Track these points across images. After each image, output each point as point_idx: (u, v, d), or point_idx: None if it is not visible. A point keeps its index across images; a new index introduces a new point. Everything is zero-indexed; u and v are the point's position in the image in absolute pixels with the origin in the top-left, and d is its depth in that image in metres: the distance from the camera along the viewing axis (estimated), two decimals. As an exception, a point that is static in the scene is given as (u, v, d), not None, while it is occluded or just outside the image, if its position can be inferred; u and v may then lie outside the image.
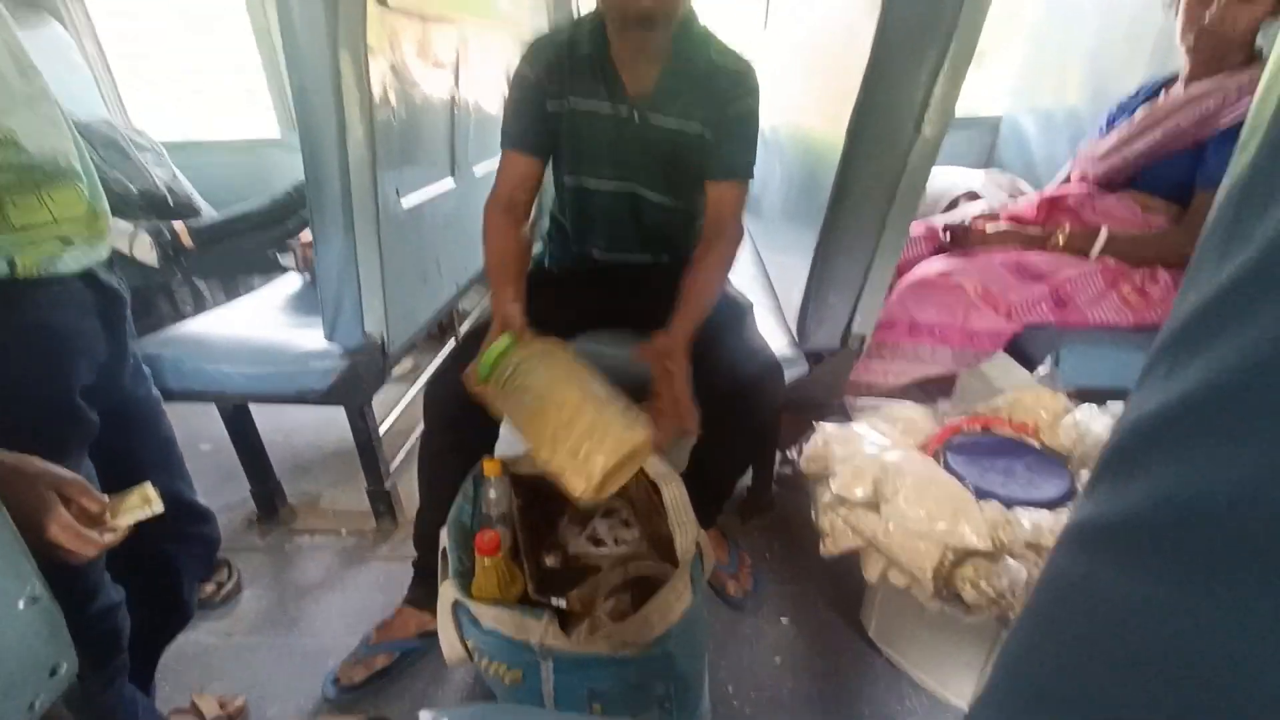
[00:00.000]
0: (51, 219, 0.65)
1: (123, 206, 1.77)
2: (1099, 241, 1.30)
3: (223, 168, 2.30)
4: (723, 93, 1.04)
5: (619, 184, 1.12)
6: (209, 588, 1.28)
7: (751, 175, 1.09)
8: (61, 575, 0.64)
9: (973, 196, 1.82)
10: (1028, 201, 1.52)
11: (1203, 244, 0.33)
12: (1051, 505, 0.93)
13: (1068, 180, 1.52)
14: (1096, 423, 1.04)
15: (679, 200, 1.15)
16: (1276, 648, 0.17)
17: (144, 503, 0.61)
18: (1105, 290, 1.26)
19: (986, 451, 1.04)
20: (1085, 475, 0.99)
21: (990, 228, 1.43)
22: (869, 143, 1.02)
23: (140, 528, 0.65)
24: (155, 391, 0.88)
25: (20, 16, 2.00)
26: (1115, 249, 1.29)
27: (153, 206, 1.86)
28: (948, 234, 1.47)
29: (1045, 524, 0.88)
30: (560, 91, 1.06)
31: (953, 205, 1.85)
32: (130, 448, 0.81)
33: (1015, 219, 1.49)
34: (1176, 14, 1.21)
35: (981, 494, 0.95)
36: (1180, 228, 1.26)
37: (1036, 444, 1.07)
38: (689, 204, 1.16)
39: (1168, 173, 1.27)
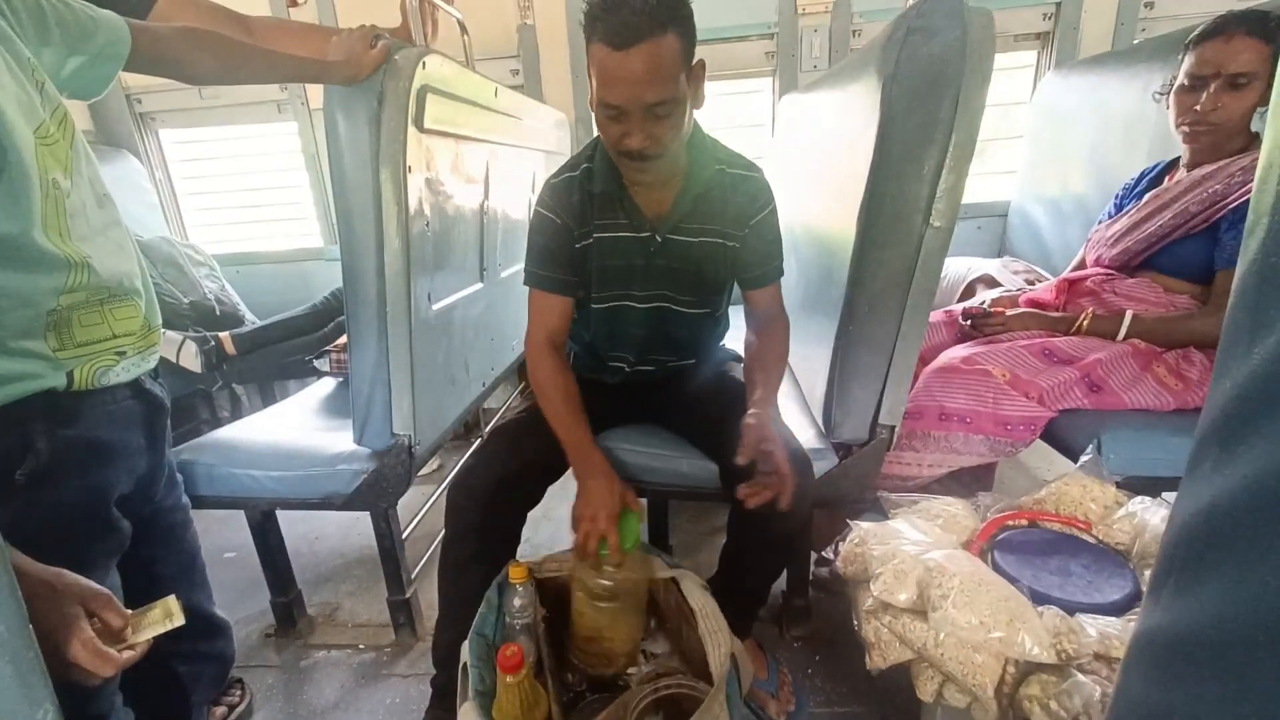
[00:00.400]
0: (111, 335, 0.69)
1: (172, 317, 1.89)
2: (1125, 323, 1.28)
3: (269, 277, 2.47)
4: (740, 205, 1.08)
5: (649, 303, 1.15)
6: (219, 710, 1.22)
7: (782, 274, 1.16)
8: (75, 697, 0.63)
9: (989, 282, 1.84)
10: (1046, 286, 1.53)
11: (1228, 330, 0.32)
12: (1118, 611, 0.85)
13: (1083, 264, 1.53)
14: (1154, 515, 0.97)
15: (706, 307, 1.19)
16: None
17: (166, 617, 0.60)
18: (1140, 373, 1.23)
19: (1038, 549, 0.98)
20: (1149, 575, 0.91)
21: (1011, 312, 1.42)
22: (880, 235, 1.05)
23: (154, 643, 0.63)
24: (185, 500, 0.89)
25: (101, 152, 2.25)
26: (1142, 331, 1.27)
27: (200, 317, 1.97)
28: (968, 320, 1.46)
29: (1113, 632, 0.80)
30: (583, 227, 1.09)
31: (970, 292, 1.87)
32: (155, 557, 0.80)
33: (1035, 303, 1.49)
34: (1168, 107, 1.26)
35: (1038, 598, 0.88)
36: (1208, 308, 1.24)
37: (1091, 539, 1.00)
38: (715, 307, 1.20)
39: (1184, 254, 1.27)
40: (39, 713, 0.47)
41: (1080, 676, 0.77)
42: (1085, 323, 1.33)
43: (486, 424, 2.27)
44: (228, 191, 2.70)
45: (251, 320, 2.15)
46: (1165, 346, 1.24)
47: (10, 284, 0.60)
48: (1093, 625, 0.81)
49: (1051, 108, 2.03)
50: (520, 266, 1.83)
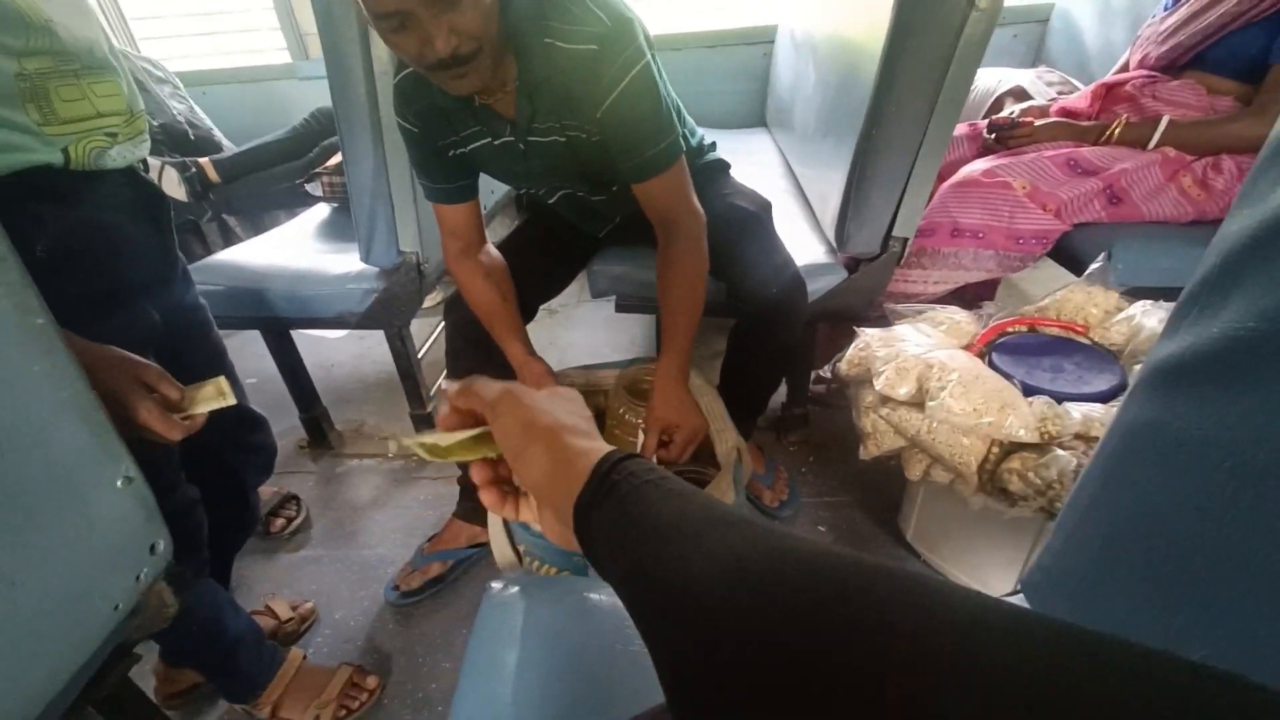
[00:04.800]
0: (95, 112, 0.66)
1: (145, 143, 1.76)
2: (1159, 130, 1.21)
3: (235, 98, 2.26)
4: (581, 92, 0.85)
5: (560, 191, 1.06)
6: (279, 522, 1.34)
7: (674, 159, 0.91)
8: (144, 469, 0.68)
9: (1019, 95, 1.71)
10: (1080, 93, 1.43)
11: None
12: (1103, 399, 0.92)
13: (1126, 67, 1.41)
14: (1151, 318, 1.01)
15: (616, 190, 1.05)
16: None
17: (219, 394, 0.63)
18: (1164, 183, 1.19)
19: (1034, 350, 1.02)
20: (1138, 369, 0.96)
21: (1039, 122, 1.35)
22: (918, 19, 0.95)
23: (203, 438, 0.68)
24: (202, 300, 0.90)
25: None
26: (1176, 138, 1.21)
27: (174, 142, 1.85)
28: (992, 132, 1.39)
29: (1096, 415, 0.87)
30: (449, 136, 0.93)
31: (998, 107, 1.75)
32: (182, 353, 0.82)
33: (1067, 113, 1.40)
34: None
35: (1029, 390, 0.93)
36: (1251, 109, 1.17)
37: (1086, 341, 1.04)
38: (624, 183, 0.97)
39: (1239, 47, 1.17)
40: (121, 467, 0.52)
41: (1059, 451, 0.84)
42: (1116, 131, 1.26)
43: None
44: (175, 2, 2.39)
45: (229, 146, 2.02)
46: (1198, 153, 1.19)
47: None
48: (1077, 410, 0.87)
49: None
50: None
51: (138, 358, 0.59)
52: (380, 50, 0.98)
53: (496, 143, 0.93)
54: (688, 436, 0.97)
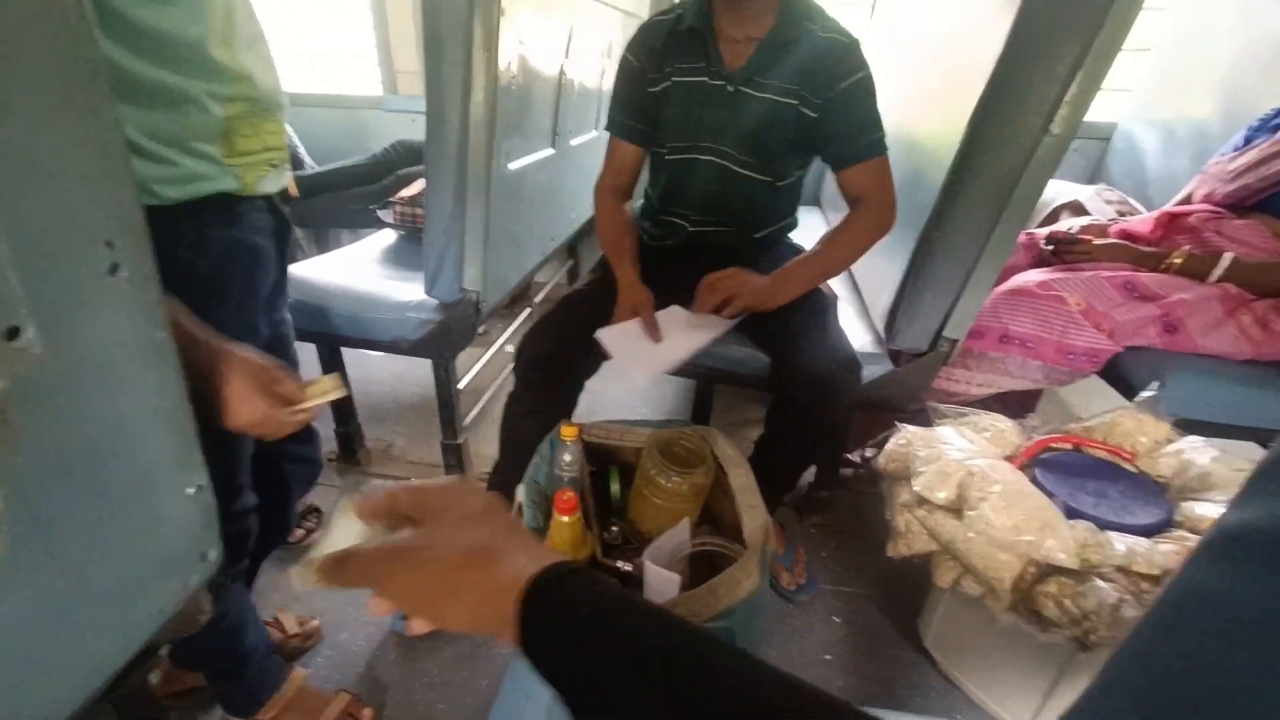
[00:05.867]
0: (263, 146, 0.74)
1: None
2: (1221, 265, 1.22)
3: (323, 123, 2.42)
4: (824, 69, 1.04)
5: (710, 155, 1.15)
6: (298, 532, 1.36)
7: (883, 150, 1.08)
8: (223, 470, 0.72)
9: (1077, 210, 1.73)
10: (1142, 218, 1.44)
11: None
12: (1148, 533, 0.89)
13: (1189, 199, 1.43)
14: (1203, 455, 0.99)
15: (766, 174, 1.16)
16: None
17: (335, 388, 0.67)
18: (1223, 318, 1.19)
19: (1078, 471, 1.01)
20: (1185, 507, 0.94)
21: (1099, 241, 1.36)
22: (990, 139, 0.99)
23: (262, 444, 0.72)
24: (289, 315, 0.96)
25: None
26: (1238, 275, 1.21)
27: (264, 155, 1.97)
28: (1051, 245, 1.41)
29: (1140, 550, 0.85)
30: (661, 70, 1.11)
31: (1054, 218, 1.77)
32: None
33: (1128, 235, 1.41)
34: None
35: (1072, 513, 0.92)
36: (1318, 258, 1.17)
37: (1132, 469, 1.02)
38: (775, 176, 1.16)
39: (1309, 198, 1.18)
40: (194, 476, 0.54)
41: (1099, 582, 0.82)
42: (1178, 261, 1.27)
43: (535, 295, 2.31)
44: (277, 23, 2.59)
45: (310, 164, 2.15)
46: (1260, 295, 1.19)
47: (193, 90, 0.65)
48: (1121, 541, 0.85)
49: (1192, 16, 1.80)
50: (589, 136, 1.78)
51: (263, 356, 0.64)
52: (478, 107, 1.05)
53: (712, 82, 1.08)
54: (746, 303, 1.08)
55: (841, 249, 1.12)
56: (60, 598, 0.42)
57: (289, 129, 2.15)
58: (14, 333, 0.35)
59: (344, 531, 0.39)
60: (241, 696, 0.94)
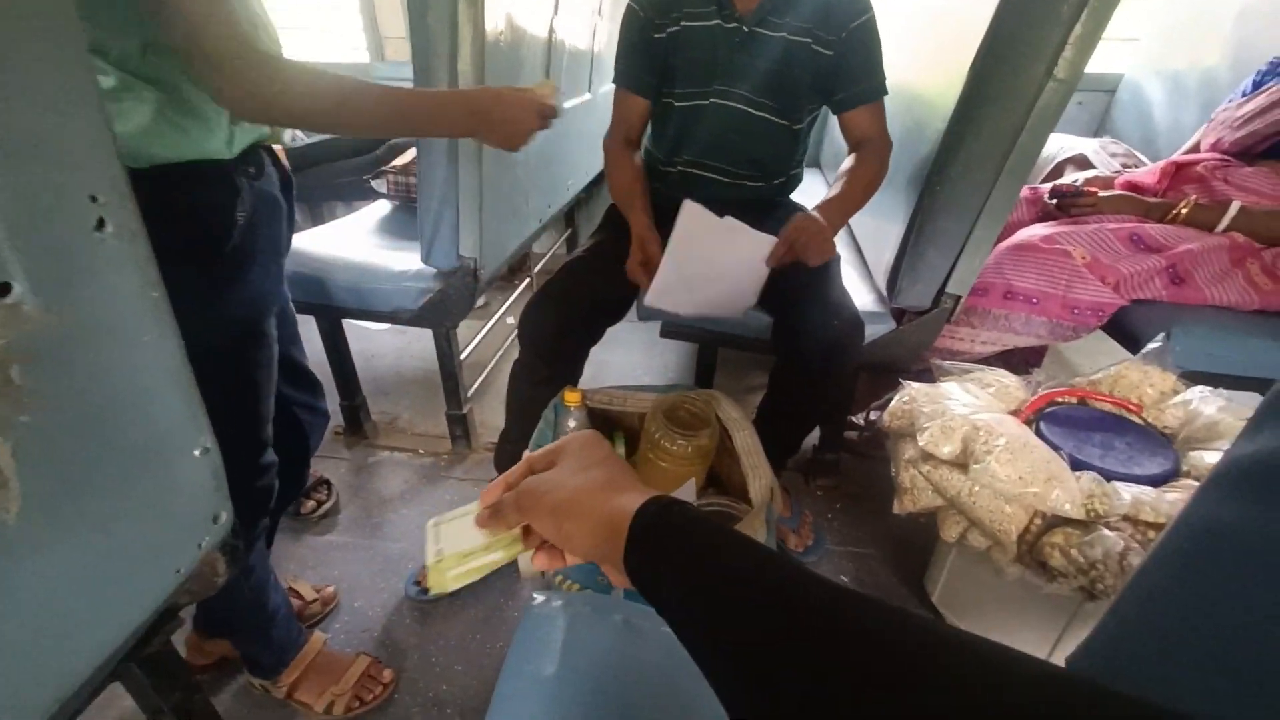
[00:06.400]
0: None
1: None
2: (1228, 215, 1.20)
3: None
4: (838, 9, 1.06)
5: (725, 100, 1.13)
6: (309, 504, 1.37)
7: (885, 92, 1.11)
8: (240, 430, 0.76)
9: (1081, 164, 1.71)
10: (1148, 169, 1.42)
11: None
12: (1154, 483, 0.89)
13: (1196, 149, 1.40)
14: (1210, 405, 0.98)
15: (783, 118, 1.15)
16: None
17: (553, 91, 0.87)
18: (1230, 268, 1.18)
19: (1084, 425, 1.01)
20: (1193, 456, 0.94)
21: (1104, 193, 1.34)
22: (993, 87, 0.96)
23: (279, 394, 0.81)
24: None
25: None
26: (1246, 224, 1.19)
27: (253, 129, 1.93)
28: (1054, 198, 1.38)
29: (1146, 499, 0.85)
30: (669, 16, 1.09)
31: (1058, 173, 1.74)
32: (279, 320, 0.90)
33: (1133, 187, 1.39)
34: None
35: (1078, 465, 0.92)
36: (1328, 205, 1.15)
37: (1139, 421, 1.02)
38: (792, 119, 1.16)
39: (1321, 142, 1.16)
40: (202, 438, 0.54)
41: (1106, 531, 0.82)
42: (1184, 211, 1.25)
43: (534, 266, 2.29)
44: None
45: (300, 136, 2.11)
46: (1267, 242, 1.18)
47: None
48: (1127, 491, 0.86)
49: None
50: (582, 99, 1.75)
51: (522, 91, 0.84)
52: (465, 65, 1.02)
53: (726, 25, 1.08)
54: (816, 249, 1.03)
55: (864, 182, 1.11)
56: (90, 555, 0.43)
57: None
58: (4, 289, 0.35)
59: (455, 538, 0.43)
60: (269, 657, 0.96)
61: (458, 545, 0.43)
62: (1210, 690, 0.37)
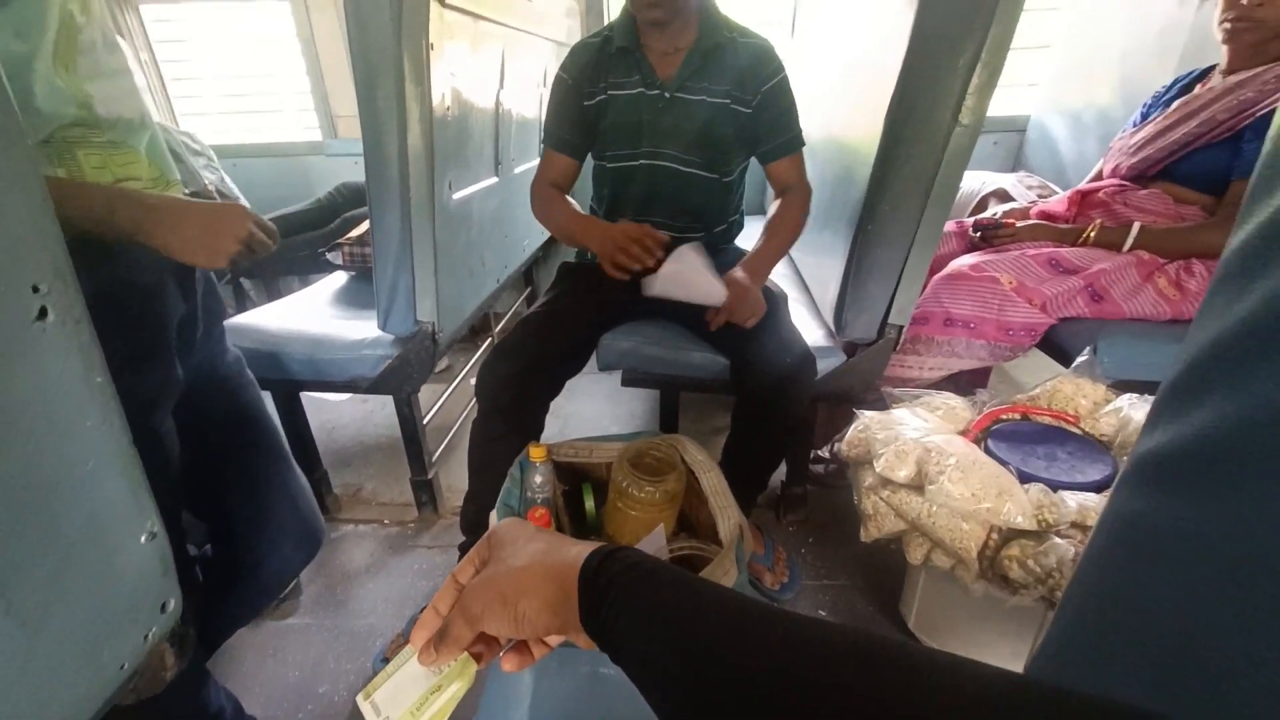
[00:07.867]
0: (117, 179, 0.71)
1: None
2: (1131, 235, 1.31)
3: (266, 171, 2.40)
4: (749, 70, 1.15)
5: (655, 159, 1.21)
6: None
7: (803, 143, 1.21)
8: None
9: (1002, 196, 1.84)
10: (1058, 199, 1.54)
11: (1253, 190, 0.35)
12: (1096, 489, 0.94)
13: (1099, 176, 1.53)
14: (1139, 410, 1.05)
15: (712, 171, 1.23)
16: None
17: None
18: (1141, 283, 1.27)
19: (1028, 439, 1.06)
20: (1128, 460, 0.99)
21: (1021, 223, 1.44)
22: (908, 133, 1.05)
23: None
24: (238, 354, 0.93)
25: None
26: (1148, 242, 1.30)
27: (204, 209, 1.94)
28: (978, 231, 1.48)
29: (1090, 505, 0.89)
30: (596, 85, 1.17)
31: (981, 206, 1.87)
32: (211, 410, 0.86)
33: (1046, 215, 1.50)
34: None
35: (1025, 477, 0.96)
36: (1214, 220, 1.26)
37: (1077, 431, 1.07)
38: (721, 173, 1.24)
39: (1202, 164, 1.28)
40: (148, 522, 0.53)
41: (1057, 539, 0.86)
42: (1092, 234, 1.35)
43: (496, 326, 2.31)
44: (216, 78, 2.57)
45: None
46: (1169, 258, 1.28)
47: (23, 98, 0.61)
48: (1073, 499, 0.89)
49: (1085, 11, 1.95)
50: (532, 164, 1.82)
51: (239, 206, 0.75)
52: (415, 140, 1.07)
53: (649, 92, 1.16)
54: (746, 312, 1.10)
55: (787, 228, 1.22)
56: (18, 651, 0.41)
57: (227, 179, 2.14)
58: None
59: (396, 699, 0.41)
60: None
61: (403, 704, 0.40)
62: (1139, 679, 0.39)
